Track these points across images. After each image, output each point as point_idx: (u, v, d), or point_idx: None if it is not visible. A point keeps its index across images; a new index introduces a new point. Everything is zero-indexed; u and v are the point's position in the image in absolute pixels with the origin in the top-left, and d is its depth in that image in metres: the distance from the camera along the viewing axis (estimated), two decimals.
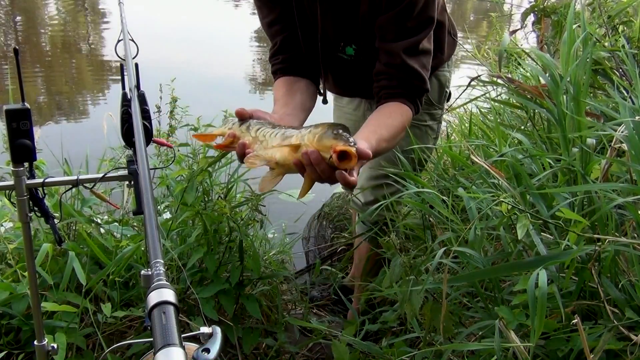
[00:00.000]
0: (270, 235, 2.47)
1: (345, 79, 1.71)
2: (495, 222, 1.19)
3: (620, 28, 1.92)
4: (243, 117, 1.25)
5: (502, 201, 1.04)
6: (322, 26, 1.50)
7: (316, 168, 1.07)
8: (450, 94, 1.87)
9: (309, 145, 1.09)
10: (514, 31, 2.36)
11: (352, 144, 1.04)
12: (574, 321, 0.83)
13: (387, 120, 1.37)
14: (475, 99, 1.95)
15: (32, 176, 1.16)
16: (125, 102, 1.13)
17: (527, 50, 2.25)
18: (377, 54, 1.48)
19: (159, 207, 2.02)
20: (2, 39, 7.12)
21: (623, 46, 1.64)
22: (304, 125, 1.33)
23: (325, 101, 1.71)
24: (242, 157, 1.19)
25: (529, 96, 1.55)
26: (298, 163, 1.10)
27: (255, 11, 1.61)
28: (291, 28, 1.52)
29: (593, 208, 1.10)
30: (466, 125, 2.47)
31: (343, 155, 1.03)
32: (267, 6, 1.53)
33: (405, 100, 1.43)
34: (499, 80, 1.67)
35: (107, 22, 8.15)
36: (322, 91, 1.68)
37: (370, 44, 1.48)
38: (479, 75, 2.00)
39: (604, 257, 1.02)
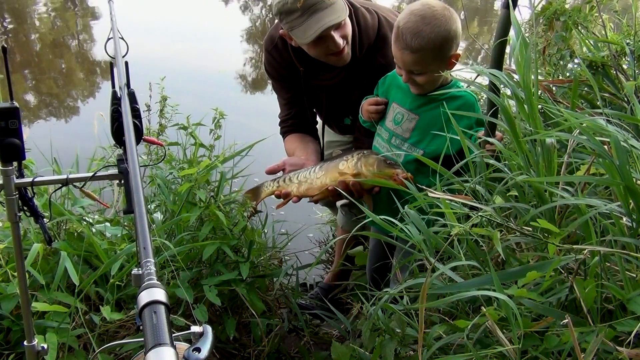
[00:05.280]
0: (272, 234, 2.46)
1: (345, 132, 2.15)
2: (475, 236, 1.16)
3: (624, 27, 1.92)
4: (276, 172, 1.76)
5: (476, 217, 1.03)
6: (327, 107, 1.96)
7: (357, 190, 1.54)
8: None
9: (367, 173, 1.49)
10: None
11: (405, 172, 1.44)
12: (564, 321, 0.83)
13: None
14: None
15: (21, 175, 1.15)
16: (115, 100, 1.12)
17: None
18: None
19: (149, 206, 2.01)
20: None
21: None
22: (329, 158, 1.73)
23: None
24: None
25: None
26: (343, 184, 1.52)
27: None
28: (302, 104, 1.99)
29: (574, 217, 1.08)
30: None
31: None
32: (285, 89, 1.99)
33: None
34: None
35: (96, 20, 8.09)
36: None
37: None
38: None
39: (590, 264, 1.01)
